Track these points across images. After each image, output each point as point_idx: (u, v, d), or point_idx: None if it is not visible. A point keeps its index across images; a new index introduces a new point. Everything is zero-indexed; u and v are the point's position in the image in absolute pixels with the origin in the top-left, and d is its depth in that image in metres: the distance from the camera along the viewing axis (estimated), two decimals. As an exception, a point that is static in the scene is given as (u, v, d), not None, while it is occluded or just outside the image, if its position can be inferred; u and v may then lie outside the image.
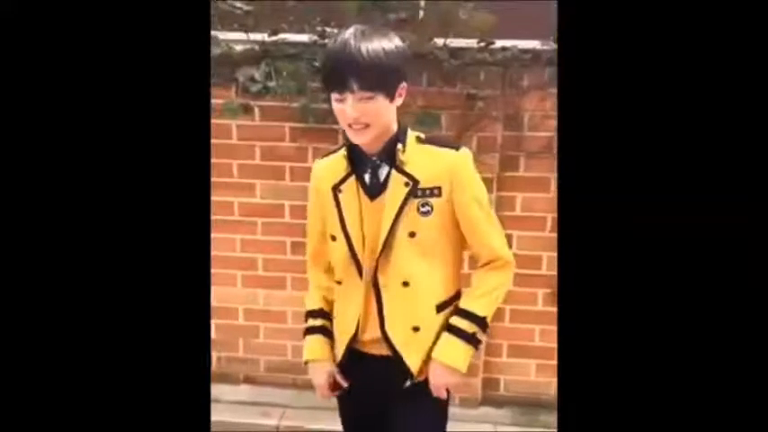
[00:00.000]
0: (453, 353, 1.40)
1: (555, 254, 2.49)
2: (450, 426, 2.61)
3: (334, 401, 1.57)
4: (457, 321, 1.41)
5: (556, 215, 2.45)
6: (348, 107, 1.27)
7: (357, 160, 1.39)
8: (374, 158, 1.37)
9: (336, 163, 1.42)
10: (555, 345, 2.61)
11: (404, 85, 1.33)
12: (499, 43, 2.37)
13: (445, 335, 1.41)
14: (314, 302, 1.54)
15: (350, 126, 1.30)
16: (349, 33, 1.27)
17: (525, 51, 2.39)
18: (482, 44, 2.36)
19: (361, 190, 1.39)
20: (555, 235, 2.47)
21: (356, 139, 1.33)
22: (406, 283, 1.38)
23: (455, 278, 1.45)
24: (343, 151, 1.42)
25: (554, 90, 2.37)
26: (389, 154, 1.36)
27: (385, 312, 1.40)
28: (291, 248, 2.60)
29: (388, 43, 1.27)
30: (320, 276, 1.54)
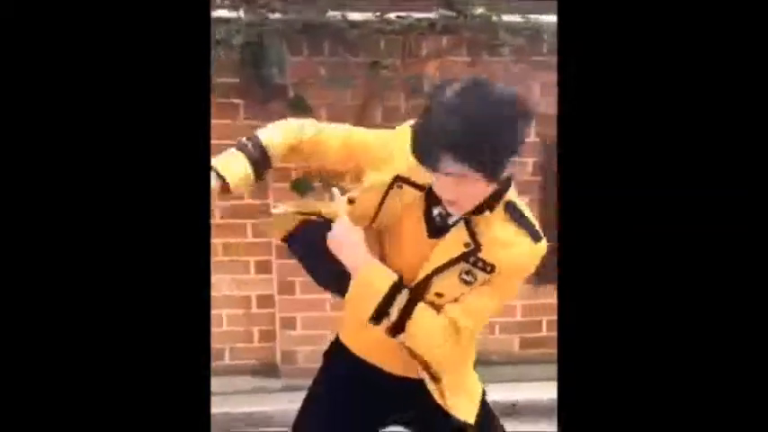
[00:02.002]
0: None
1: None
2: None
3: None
4: None
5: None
6: (435, 183, 1.10)
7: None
8: None
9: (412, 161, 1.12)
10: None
11: (514, 158, 1.07)
12: (394, 13, 2.42)
13: None
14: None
15: None
16: (452, 92, 1.03)
17: (420, 20, 2.46)
18: (378, 14, 2.39)
19: (423, 221, 1.20)
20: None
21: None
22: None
23: None
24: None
25: (453, 58, 2.47)
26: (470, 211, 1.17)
27: None
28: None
29: (499, 108, 1.02)
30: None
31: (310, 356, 2.44)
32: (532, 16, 2.45)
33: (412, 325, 1.18)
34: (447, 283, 1.19)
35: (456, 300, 1.20)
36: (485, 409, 1.35)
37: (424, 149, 1.04)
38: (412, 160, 1.09)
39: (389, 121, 2.42)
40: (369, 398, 1.33)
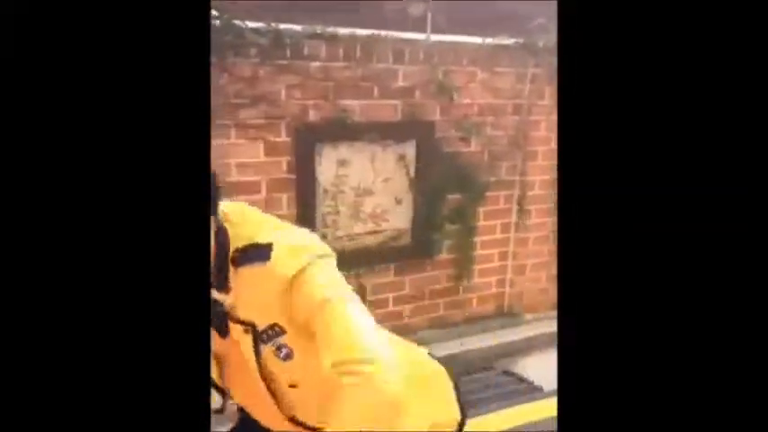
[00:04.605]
0: None
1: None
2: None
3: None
4: None
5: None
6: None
7: None
8: None
9: None
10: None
11: None
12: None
13: None
14: None
15: None
16: None
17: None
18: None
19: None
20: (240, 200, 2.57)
21: None
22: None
23: None
24: None
25: (231, 60, 2.46)
26: None
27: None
28: None
29: None
30: None
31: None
32: (273, 23, 2.55)
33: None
34: (274, 369, 1.07)
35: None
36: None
37: None
38: None
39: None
40: None
